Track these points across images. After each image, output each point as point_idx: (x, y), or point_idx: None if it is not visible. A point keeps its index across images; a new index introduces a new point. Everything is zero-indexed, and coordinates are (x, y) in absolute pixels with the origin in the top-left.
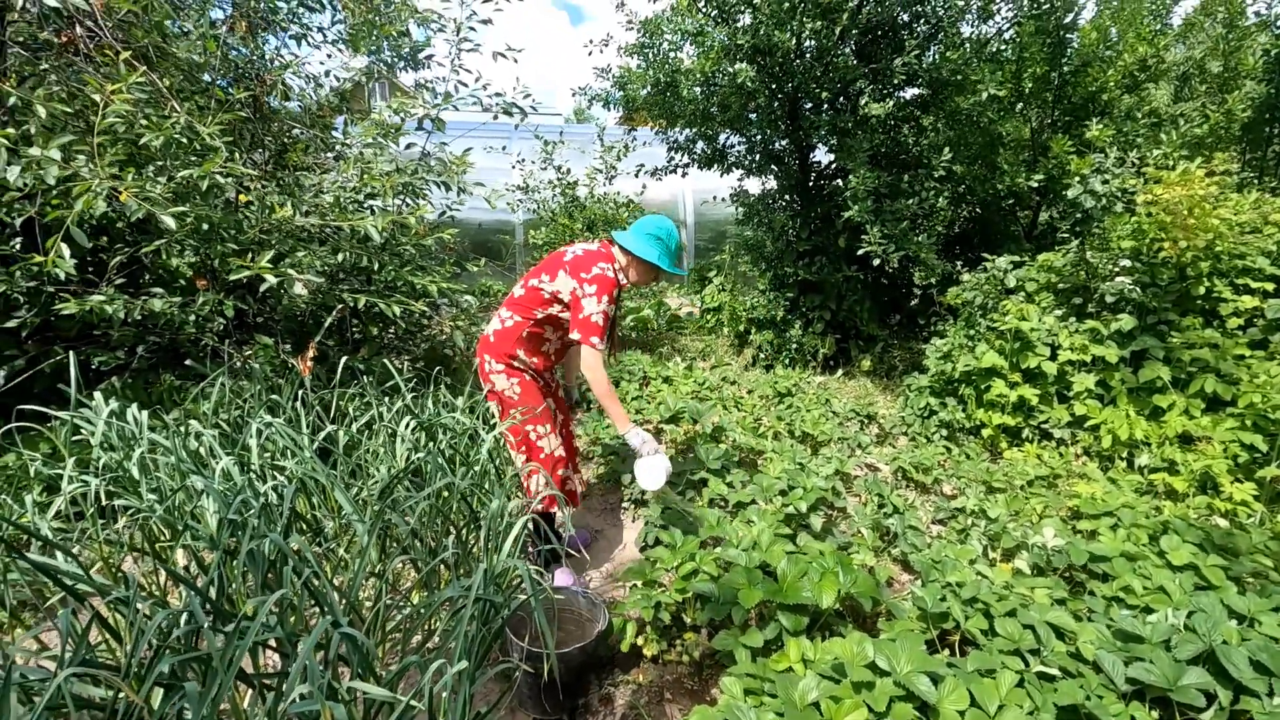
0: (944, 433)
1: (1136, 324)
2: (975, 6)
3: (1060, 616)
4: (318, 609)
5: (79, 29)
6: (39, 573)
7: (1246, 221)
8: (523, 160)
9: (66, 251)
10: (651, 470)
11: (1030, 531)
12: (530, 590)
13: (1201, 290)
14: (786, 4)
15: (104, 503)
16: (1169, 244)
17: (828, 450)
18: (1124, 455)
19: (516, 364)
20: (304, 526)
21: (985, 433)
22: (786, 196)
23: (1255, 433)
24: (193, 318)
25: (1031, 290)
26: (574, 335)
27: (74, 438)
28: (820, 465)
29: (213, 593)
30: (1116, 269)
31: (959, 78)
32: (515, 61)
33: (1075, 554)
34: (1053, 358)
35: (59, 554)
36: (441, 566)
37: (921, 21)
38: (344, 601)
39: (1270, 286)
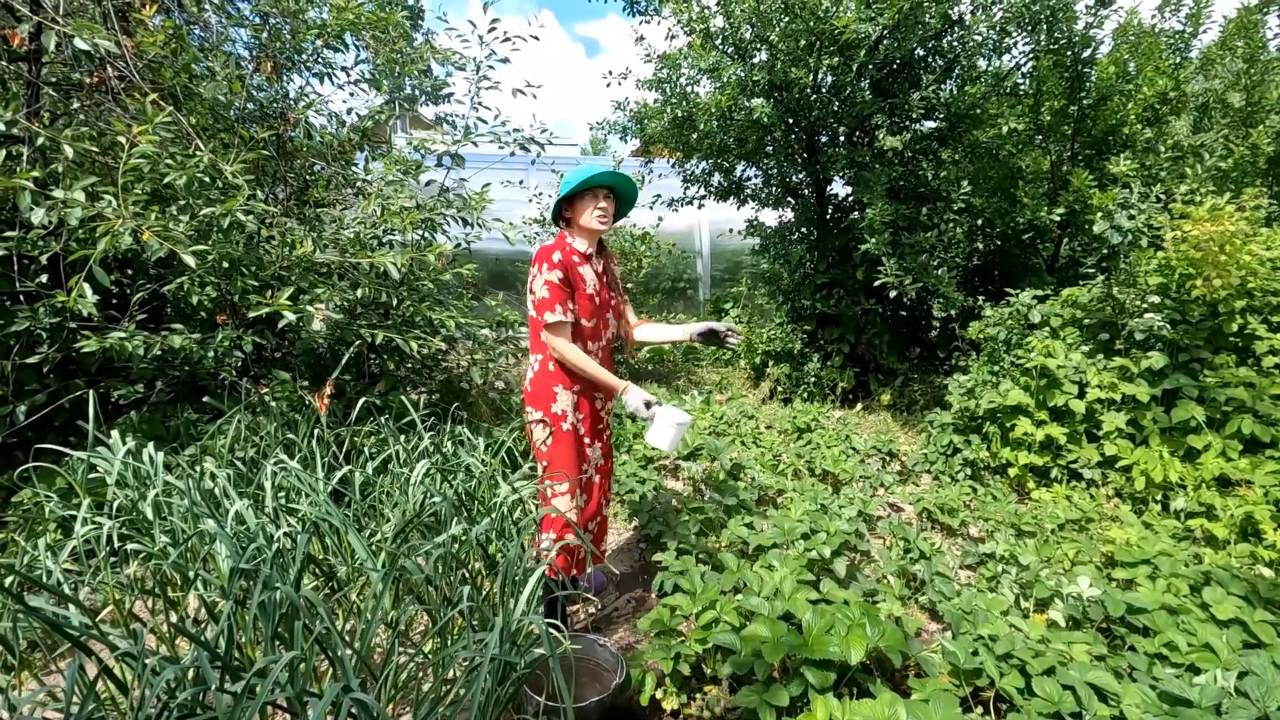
0: (968, 471)
1: (1168, 362)
2: (990, 41)
3: (1102, 677)
4: (327, 658)
5: (109, 70)
6: (48, 625)
7: (1279, 257)
8: (540, 193)
9: (89, 290)
10: (663, 430)
11: (1064, 580)
12: (548, 648)
13: (1234, 327)
14: (803, 42)
15: (117, 545)
16: (1200, 282)
17: (849, 489)
18: (1158, 498)
19: (556, 407)
20: (317, 571)
21: (1012, 472)
22: (803, 229)
23: None
24: (212, 353)
25: (1056, 325)
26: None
27: (90, 475)
28: (842, 506)
29: (222, 643)
30: (1144, 305)
31: (977, 111)
32: (534, 98)
33: (1113, 606)
34: (1081, 395)
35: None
36: (456, 615)
37: (938, 56)
38: (355, 657)
39: None
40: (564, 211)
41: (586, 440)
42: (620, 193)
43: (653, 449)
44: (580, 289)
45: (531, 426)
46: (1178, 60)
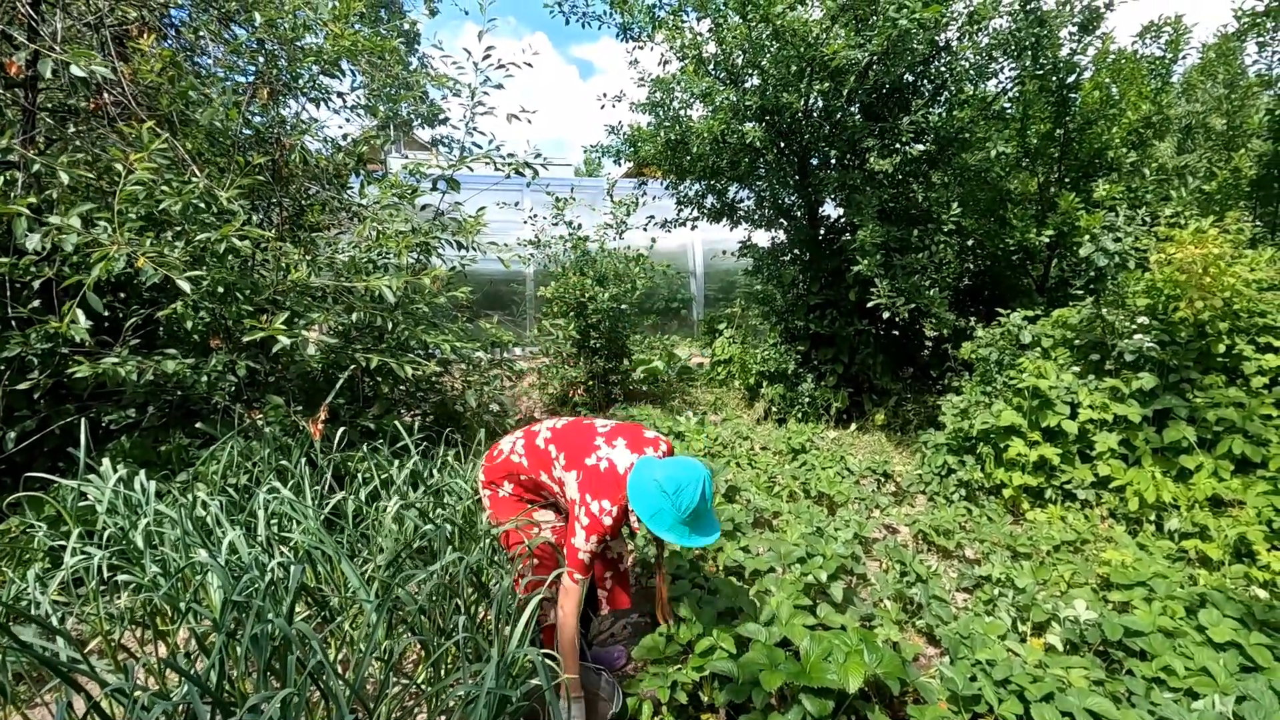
0: (963, 492)
1: (1158, 382)
2: (977, 66)
3: (1100, 703)
4: (320, 691)
5: (106, 96)
6: (36, 660)
7: (1263, 279)
8: (535, 215)
9: (82, 316)
10: None
11: (1060, 603)
12: (544, 680)
13: (1221, 348)
14: (794, 67)
15: (108, 575)
16: (1184, 304)
17: (845, 511)
18: (1152, 518)
19: (503, 492)
20: (309, 600)
21: (1006, 493)
22: (796, 250)
23: None
24: (205, 378)
25: (1047, 346)
26: (565, 553)
27: (81, 503)
28: (838, 528)
29: (214, 677)
30: (1134, 326)
31: (965, 135)
32: (529, 123)
33: (1110, 629)
34: (1073, 416)
35: (57, 637)
36: (451, 646)
37: (926, 81)
38: (348, 690)
39: None
40: (632, 504)
41: (529, 503)
42: None
43: None
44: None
45: (482, 490)
46: (1159, 85)
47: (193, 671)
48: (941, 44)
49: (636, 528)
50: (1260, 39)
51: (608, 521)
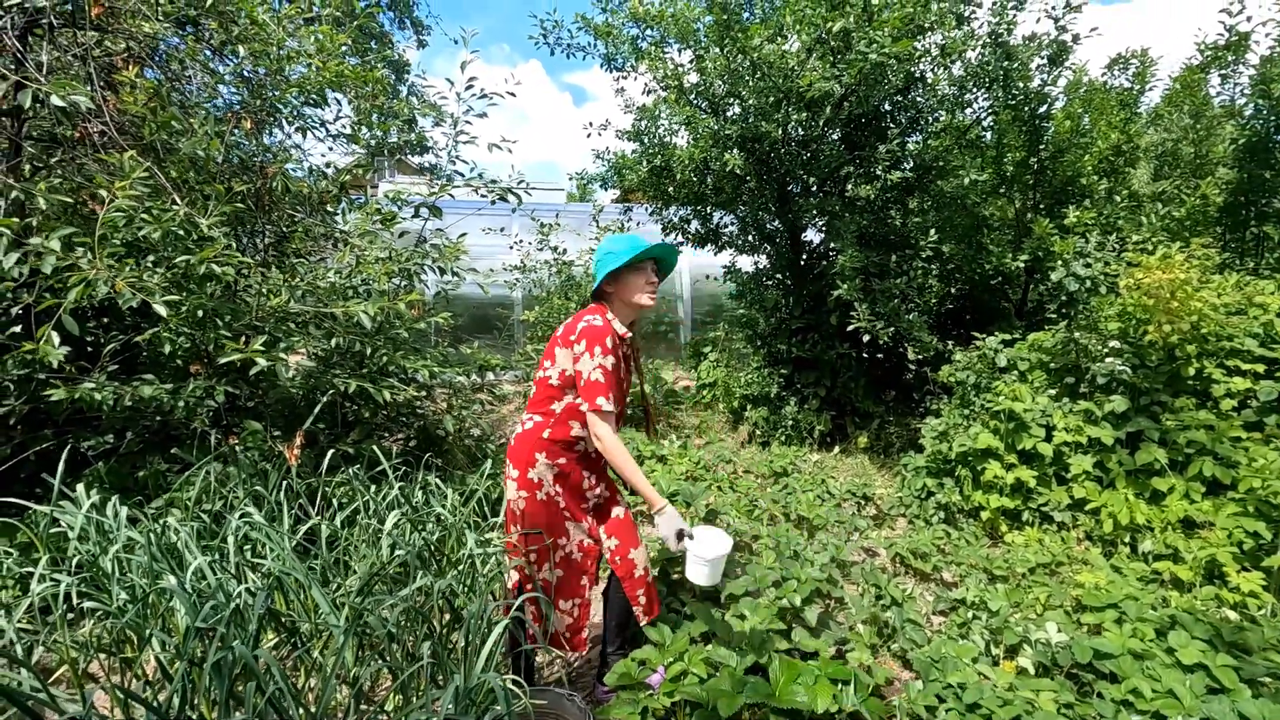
0: (942, 515)
1: (1130, 405)
2: (952, 96)
3: None
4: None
5: (92, 125)
6: None
7: (1230, 303)
8: (521, 241)
9: (57, 339)
10: (699, 568)
11: (1033, 626)
12: (503, 706)
13: (1191, 371)
14: (772, 98)
15: (76, 602)
16: (1153, 328)
17: (824, 535)
18: (1126, 540)
19: (533, 474)
20: (279, 626)
21: (984, 515)
22: (779, 274)
23: (1258, 519)
24: (183, 403)
25: (1024, 369)
26: (582, 407)
27: (54, 529)
28: (816, 552)
29: (176, 702)
30: (1105, 349)
31: (941, 163)
32: (509, 152)
33: (1080, 652)
34: (1048, 439)
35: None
36: (419, 671)
37: (903, 111)
38: (309, 717)
39: (1261, 368)
40: (605, 285)
41: (568, 515)
42: (664, 264)
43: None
44: (617, 376)
45: (507, 483)
46: (1128, 115)
47: (157, 699)
48: (916, 75)
49: (626, 334)
50: (1222, 72)
51: (598, 323)
